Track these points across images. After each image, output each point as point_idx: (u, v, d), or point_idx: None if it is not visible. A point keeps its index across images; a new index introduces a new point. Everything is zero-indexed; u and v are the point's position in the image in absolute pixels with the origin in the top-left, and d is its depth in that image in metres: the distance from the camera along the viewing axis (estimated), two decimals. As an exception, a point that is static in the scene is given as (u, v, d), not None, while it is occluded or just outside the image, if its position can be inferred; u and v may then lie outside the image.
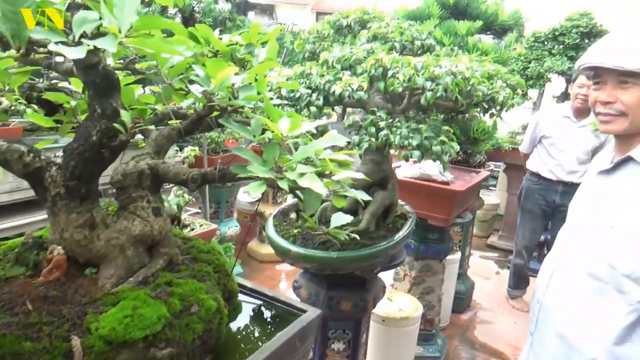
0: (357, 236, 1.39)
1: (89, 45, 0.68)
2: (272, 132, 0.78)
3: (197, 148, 2.58)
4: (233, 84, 0.88)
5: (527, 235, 3.81)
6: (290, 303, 1.21)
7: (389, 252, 1.80)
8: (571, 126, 3.40)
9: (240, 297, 1.18)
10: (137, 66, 1.09)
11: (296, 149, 0.82)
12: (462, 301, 3.82)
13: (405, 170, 2.73)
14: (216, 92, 0.85)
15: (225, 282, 1.02)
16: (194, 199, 2.78)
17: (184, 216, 2.77)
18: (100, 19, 0.72)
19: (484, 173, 3.14)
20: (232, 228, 3.93)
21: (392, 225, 1.92)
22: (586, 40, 4.44)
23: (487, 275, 4.63)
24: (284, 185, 0.73)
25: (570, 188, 3.43)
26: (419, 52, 1.69)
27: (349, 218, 0.97)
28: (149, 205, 0.94)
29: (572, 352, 1.33)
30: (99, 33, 0.74)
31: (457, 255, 3.53)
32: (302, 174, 0.73)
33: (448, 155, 1.30)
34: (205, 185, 2.37)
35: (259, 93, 0.94)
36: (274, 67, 1.16)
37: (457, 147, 1.31)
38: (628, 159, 1.30)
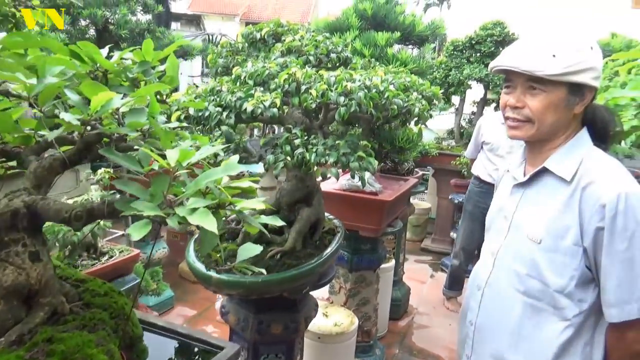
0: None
1: None
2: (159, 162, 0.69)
3: (111, 169, 2.40)
4: (117, 109, 0.78)
5: (465, 236, 3.87)
6: (206, 340, 1.12)
7: (317, 270, 1.75)
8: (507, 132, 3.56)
9: (150, 338, 1.07)
10: (13, 89, 0.96)
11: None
12: (399, 308, 3.85)
13: (333, 182, 2.70)
14: (95, 118, 0.75)
15: (124, 328, 0.91)
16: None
17: (101, 243, 2.57)
18: None
19: (412, 180, 3.19)
20: (160, 250, 3.71)
21: (319, 242, 1.87)
22: (500, 48, 4.68)
23: (422, 279, 4.72)
24: (172, 223, 0.64)
25: None
26: (336, 64, 1.66)
27: (258, 249, 0.89)
28: (24, 249, 0.81)
29: None
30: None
31: (392, 263, 3.55)
32: (193, 209, 0.65)
33: (366, 170, 1.26)
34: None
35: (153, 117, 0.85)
36: (173, 85, 1.06)
37: (375, 163, 1.28)
38: (543, 170, 1.28)
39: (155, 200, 0.68)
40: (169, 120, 1.30)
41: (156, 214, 0.65)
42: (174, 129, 0.98)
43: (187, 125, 1.08)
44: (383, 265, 3.23)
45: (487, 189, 3.63)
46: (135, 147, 0.86)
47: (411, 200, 4.47)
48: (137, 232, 0.62)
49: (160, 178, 0.70)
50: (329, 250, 1.80)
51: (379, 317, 3.29)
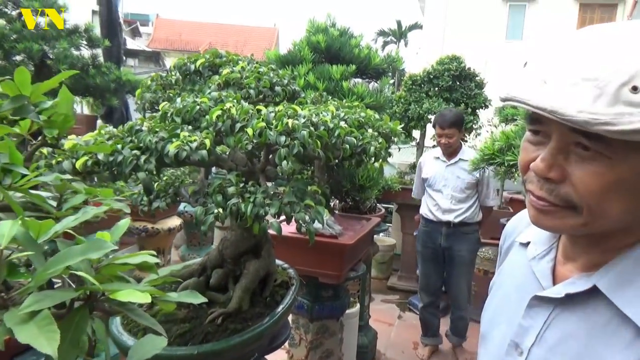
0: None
1: None
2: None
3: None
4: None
5: (421, 278, 3.75)
6: None
7: (267, 333, 1.51)
8: (441, 166, 3.46)
9: None
10: None
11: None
12: (366, 355, 3.59)
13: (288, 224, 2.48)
14: None
15: None
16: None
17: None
18: None
19: (374, 220, 3.01)
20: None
21: (270, 299, 1.64)
22: (458, 83, 4.69)
23: (390, 321, 4.49)
24: (-7, 338, 0.41)
25: (453, 230, 3.44)
26: (283, 99, 1.48)
27: (160, 343, 0.66)
28: None
29: None
30: None
31: (356, 308, 3.32)
32: (31, 315, 0.43)
33: (314, 222, 1.06)
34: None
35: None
36: (67, 126, 0.84)
37: (325, 212, 1.08)
38: (592, 289, 0.69)
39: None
40: (74, 168, 1.07)
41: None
42: (62, 180, 0.76)
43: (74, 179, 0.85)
44: (348, 311, 3.00)
45: (432, 228, 3.56)
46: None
47: (375, 237, 4.30)
48: None
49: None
50: (280, 308, 1.57)
51: (344, 368, 3.02)
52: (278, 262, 1.88)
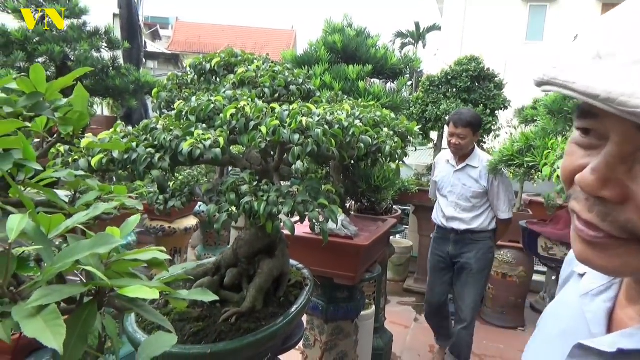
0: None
1: None
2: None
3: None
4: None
5: (428, 288, 3.55)
6: None
7: (281, 333, 1.51)
8: (450, 170, 3.22)
9: None
10: None
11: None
12: (381, 357, 3.56)
13: (302, 224, 2.47)
14: None
15: None
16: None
17: None
18: None
19: (390, 221, 2.98)
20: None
21: (284, 299, 1.63)
22: (476, 83, 4.62)
23: (406, 323, 4.45)
24: (1, 333, 0.41)
25: (462, 237, 3.19)
26: (298, 98, 1.47)
27: (170, 341, 0.65)
28: None
29: None
30: None
31: (372, 310, 3.29)
32: (39, 309, 0.42)
33: (329, 221, 1.05)
34: None
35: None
36: (82, 123, 0.85)
37: (339, 212, 1.07)
38: None
39: (-11, 292, 0.45)
40: (90, 165, 1.08)
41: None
42: (76, 177, 0.76)
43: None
44: (363, 313, 2.97)
45: (442, 234, 3.35)
46: None
47: (392, 239, 4.26)
48: None
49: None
50: (294, 308, 1.57)
51: (360, 371, 3.00)
52: (292, 262, 1.88)
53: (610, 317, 0.58)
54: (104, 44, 4.04)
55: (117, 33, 4.55)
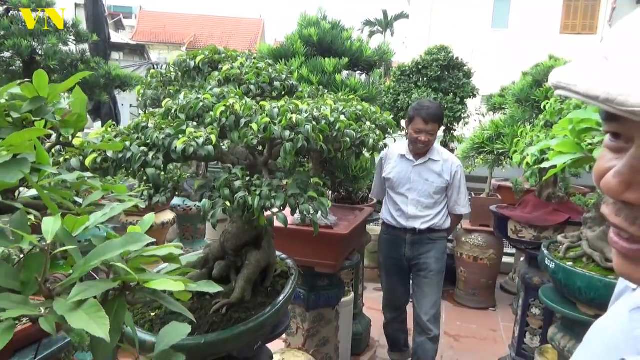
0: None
1: None
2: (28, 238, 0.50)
3: None
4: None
5: (385, 291, 3.35)
6: None
7: (270, 322, 1.56)
8: (407, 166, 2.94)
9: None
10: None
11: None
12: (360, 342, 3.67)
13: (292, 215, 2.52)
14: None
15: None
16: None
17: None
18: None
19: (367, 210, 3.06)
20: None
21: (271, 289, 1.69)
22: (446, 73, 4.75)
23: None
24: (46, 325, 0.45)
25: (419, 237, 2.98)
26: (281, 93, 1.51)
27: (185, 330, 0.70)
28: None
29: None
30: None
31: (351, 296, 3.38)
32: (78, 303, 0.46)
33: (318, 212, 1.10)
34: None
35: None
36: (80, 125, 0.87)
37: (329, 203, 1.13)
38: None
39: (27, 291, 0.49)
40: (83, 165, 1.09)
41: (23, 314, 0.45)
42: (78, 178, 0.79)
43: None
44: (342, 300, 3.06)
45: (395, 235, 3.08)
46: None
47: (367, 226, 4.35)
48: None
49: (34, 258, 0.51)
50: (282, 297, 1.62)
51: (341, 355, 3.10)
52: (277, 253, 1.93)
53: None
54: (72, 37, 3.94)
55: (83, 25, 4.44)
